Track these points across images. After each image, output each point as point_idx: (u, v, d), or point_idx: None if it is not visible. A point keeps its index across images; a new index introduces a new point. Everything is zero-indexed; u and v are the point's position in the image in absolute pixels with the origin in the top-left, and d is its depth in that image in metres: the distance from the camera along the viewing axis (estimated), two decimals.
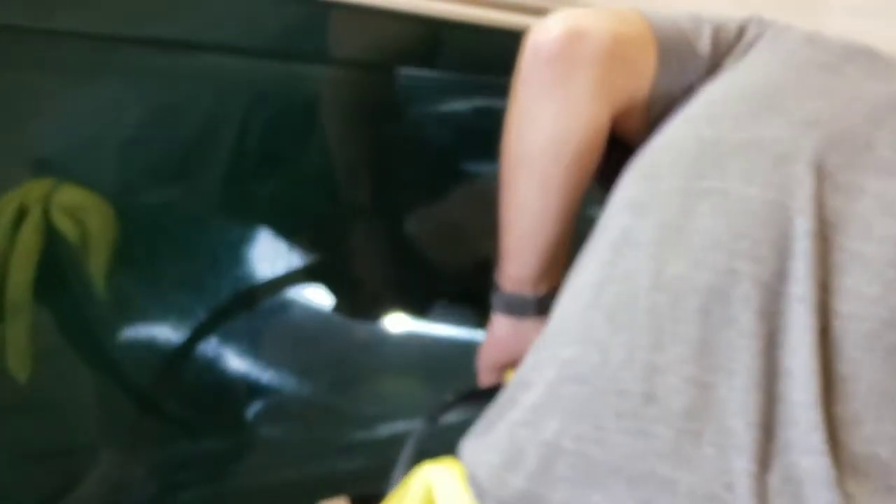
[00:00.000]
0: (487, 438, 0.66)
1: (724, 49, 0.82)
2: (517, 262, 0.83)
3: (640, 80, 0.79)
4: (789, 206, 0.65)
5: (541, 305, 0.83)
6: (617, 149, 0.81)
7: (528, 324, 0.84)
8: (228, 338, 1.05)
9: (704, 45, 0.80)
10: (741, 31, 0.84)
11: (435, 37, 1.01)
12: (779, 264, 0.63)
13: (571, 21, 0.75)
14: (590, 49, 0.75)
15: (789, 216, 0.64)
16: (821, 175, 0.67)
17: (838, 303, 0.62)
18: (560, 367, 0.64)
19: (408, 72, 1.03)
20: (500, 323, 0.87)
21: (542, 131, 0.77)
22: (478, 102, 1.12)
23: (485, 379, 0.91)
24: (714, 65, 0.81)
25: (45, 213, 0.84)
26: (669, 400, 0.59)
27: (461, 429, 0.72)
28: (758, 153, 0.68)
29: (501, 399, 0.69)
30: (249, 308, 1.03)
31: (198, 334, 0.99)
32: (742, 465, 0.57)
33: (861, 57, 0.80)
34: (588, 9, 0.77)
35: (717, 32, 0.81)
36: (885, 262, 0.64)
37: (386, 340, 1.13)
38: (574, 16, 0.76)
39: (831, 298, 0.62)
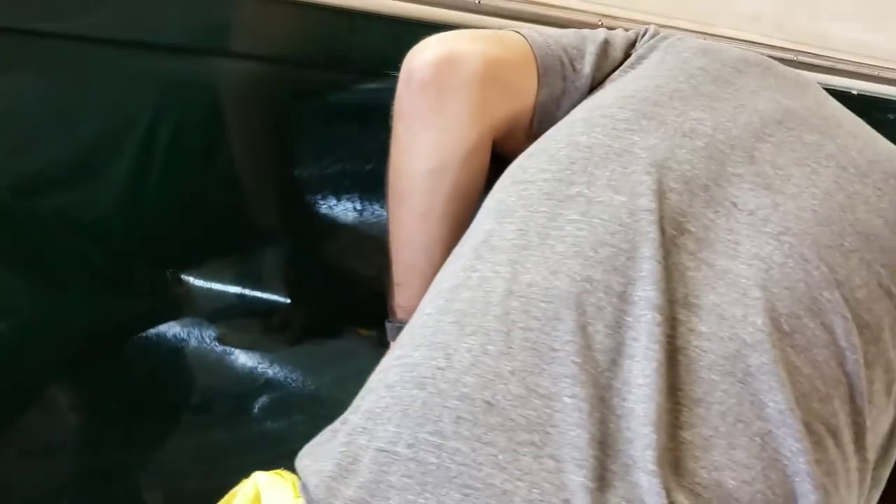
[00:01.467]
0: (325, 446, 0.62)
1: (611, 64, 0.80)
2: (407, 293, 0.80)
3: (521, 102, 0.77)
4: (654, 216, 0.63)
5: None
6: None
7: None
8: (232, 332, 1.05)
9: (588, 62, 0.78)
10: (632, 44, 0.82)
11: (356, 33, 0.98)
12: (635, 273, 0.61)
13: (444, 46, 0.73)
14: (463, 74, 0.72)
15: (652, 225, 0.63)
16: (693, 187, 0.66)
17: (697, 321, 0.60)
18: (403, 370, 0.61)
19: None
20: None
21: (419, 162, 0.75)
22: None
23: None
24: (599, 81, 0.79)
25: None
26: (511, 408, 0.56)
27: None
28: (630, 161, 0.66)
29: (350, 408, 0.65)
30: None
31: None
32: (580, 480, 0.54)
33: (756, 69, 0.78)
34: (463, 31, 0.76)
35: (603, 48, 0.79)
36: (752, 283, 0.62)
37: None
38: (447, 40, 0.73)
39: (691, 316, 0.60)
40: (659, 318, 0.59)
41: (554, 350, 0.58)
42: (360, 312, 0.94)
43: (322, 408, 1.08)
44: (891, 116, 1.53)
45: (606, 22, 1.10)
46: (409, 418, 0.58)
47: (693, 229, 0.64)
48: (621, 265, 0.61)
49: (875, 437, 0.65)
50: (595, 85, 0.78)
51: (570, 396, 0.57)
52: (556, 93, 0.77)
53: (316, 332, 1.10)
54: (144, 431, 1.02)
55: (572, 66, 0.78)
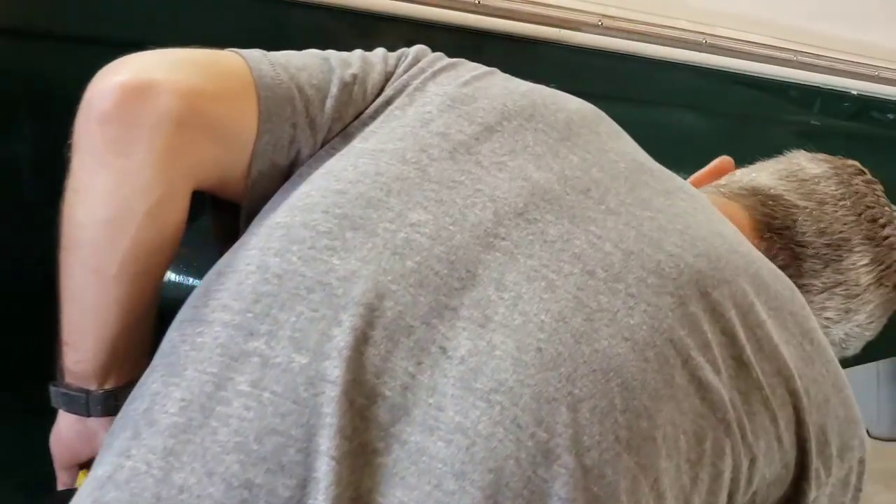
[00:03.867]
0: None
1: (355, 110, 0.66)
2: (75, 355, 0.66)
3: (233, 147, 0.63)
4: (337, 389, 0.51)
5: (107, 403, 0.66)
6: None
7: (93, 423, 0.67)
8: None
9: (328, 108, 0.65)
10: (384, 82, 0.68)
11: None
12: (307, 473, 0.50)
13: (135, 71, 0.59)
14: (154, 110, 0.58)
15: (333, 404, 0.51)
16: (394, 332, 0.53)
17: None
18: None
19: None
20: (63, 419, 0.70)
21: (94, 208, 0.61)
22: None
23: (60, 479, 0.74)
24: (335, 131, 0.66)
25: None
26: None
27: None
28: (322, 301, 0.54)
29: None
30: None
31: None
32: None
33: (513, 123, 0.65)
34: (167, 53, 0.61)
35: (349, 89, 0.66)
36: (449, 469, 0.50)
37: None
38: (141, 64, 0.59)
39: None
40: None
41: None
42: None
43: None
44: (890, 116, 1.53)
45: (606, 22, 1.10)
46: None
47: (388, 393, 0.52)
48: (290, 461, 0.50)
49: None
50: (330, 136, 0.66)
51: None
52: (282, 142, 0.63)
53: None
54: None
55: (306, 110, 0.64)
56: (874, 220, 0.81)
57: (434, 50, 0.72)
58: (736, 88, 1.33)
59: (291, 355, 0.52)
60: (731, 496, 0.60)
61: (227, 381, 0.52)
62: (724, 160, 0.87)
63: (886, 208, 0.83)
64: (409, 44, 0.72)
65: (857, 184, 0.82)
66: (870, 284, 0.80)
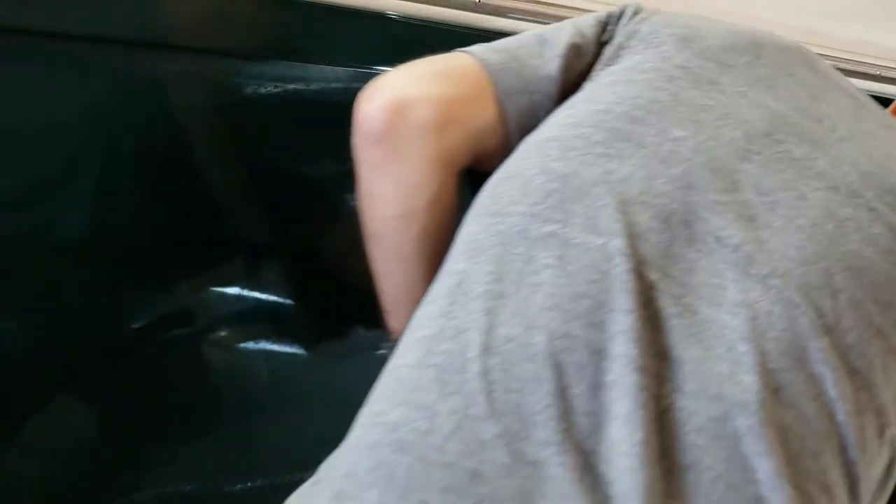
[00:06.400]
0: None
1: (584, 61, 0.74)
2: (396, 321, 0.77)
3: (485, 133, 0.72)
4: (631, 262, 0.58)
5: None
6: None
7: None
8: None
9: (554, 66, 0.72)
10: (603, 28, 0.75)
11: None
12: (614, 327, 0.57)
13: (392, 94, 0.68)
14: (415, 124, 0.68)
15: (630, 273, 0.58)
16: (672, 224, 0.61)
17: (682, 380, 0.56)
18: (383, 431, 0.56)
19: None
20: None
21: (384, 208, 0.72)
22: None
23: None
24: (573, 80, 0.73)
25: None
26: (497, 478, 0.53)
27: None
28: (604, 194, 0.61)
29: (325, 465, 0.60)
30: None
31: None
32: None
33: (744, 58, 0.72)
34: (412, 69, 0.71)
35: (570, 49, 0.73)
36: (738, 335, 0.57)
37: None
38: (395, 86, 0.69)
39: (676, 373, 0.56)
40: (643, 380, 0.55)
41: (536, 414, 0.55)
42: (366, 310, 0.87)
43: (334, 396, 1.09)
44: None
45: None
46: (393, 486, 0.54)
47: (675, 273, 0.59)
48: (600, 319, 0.57)
49: (869, 483, 0.61)
50: (568, 86, 0.73)
51: (556, 465, 0.53)
52: (525, 108, 0.72)
53: (327, 333, 1.11)
54: (160, 432, 1.04)
55: (536, 74, 0.72)
56: None
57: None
58: None
59: (587, 237, 0.60)
60: None
61: (532, 258, 0.59)
62: None
63: None
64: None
65: None
66: None
